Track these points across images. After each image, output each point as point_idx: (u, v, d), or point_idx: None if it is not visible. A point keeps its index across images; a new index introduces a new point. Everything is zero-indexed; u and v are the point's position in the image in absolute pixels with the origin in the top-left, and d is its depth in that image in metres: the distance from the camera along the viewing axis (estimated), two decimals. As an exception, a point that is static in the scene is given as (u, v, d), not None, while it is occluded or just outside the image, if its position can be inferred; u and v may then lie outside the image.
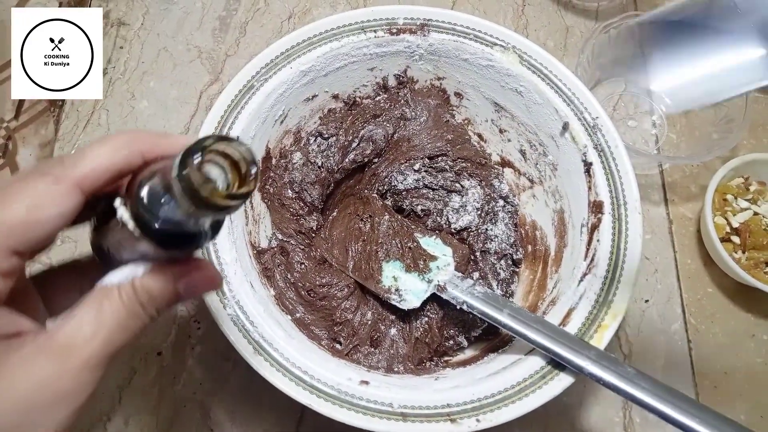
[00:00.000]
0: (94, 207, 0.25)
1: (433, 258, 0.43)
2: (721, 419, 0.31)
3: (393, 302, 0.42)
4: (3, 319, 0.23)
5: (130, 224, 0.22)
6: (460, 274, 0.42)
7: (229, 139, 0.21)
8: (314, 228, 0.46)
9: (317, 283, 0.42)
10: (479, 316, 0.38)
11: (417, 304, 0.41)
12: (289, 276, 0.43)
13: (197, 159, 0.20)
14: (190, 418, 0.44)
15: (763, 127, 0.59)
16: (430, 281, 0.42)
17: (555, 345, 0.35)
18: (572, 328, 0.37)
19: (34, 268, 0.28)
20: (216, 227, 0.25)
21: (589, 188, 0.42)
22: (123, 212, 0.22)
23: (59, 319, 0.24)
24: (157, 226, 0.22)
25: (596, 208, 0.41)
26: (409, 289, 0.42)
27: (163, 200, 0.22)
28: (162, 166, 0.23)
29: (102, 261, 0.27)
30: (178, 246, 0.24)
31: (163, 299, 0.25)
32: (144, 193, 0.22)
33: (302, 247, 0.45)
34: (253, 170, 0.21)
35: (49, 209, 0.23)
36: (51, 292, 0.28)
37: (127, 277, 0.24)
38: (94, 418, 0.43)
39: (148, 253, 0.24)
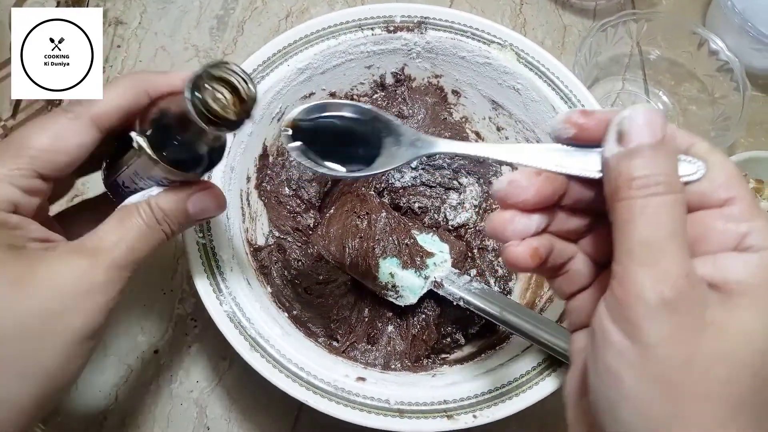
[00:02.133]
0: (107, 149, 0.29)
1: (430, 255, 0.43)
2: None
3: (390, 299, 0.41)
4: (34, 229, 0.26)
5: (147, 149, 0.26)
6: (457, 271, 0.42)
7: (228, 64, 0.24)
8: (311, 225, 0.46)
9: (314, 280, 0.42)
10: (476, 312, 0.38)
11: (414, 300, 0.41)
12: (286, 273, 0.43)
13: (207, 81, 0.23)
14: (186, 416, 0.44)
15: (760, 125, 0.59)
16: (426, 278, 0.42)
17: (552, 340, 0.34)
18: (569, 324, 0.37)
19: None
20: (220, 152, 0.28)
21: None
22: (140, 140, 0.26)
23: (86, 235, 0.27)
24: (170, 148, 0.26)
25: (593, 205, 0.41)
26: (405, 285, 0.42)
27: (175, 125, 0.26)
28: (169, 98, 0.27)
29: (116, 197, 0.30)
30: (189, 167, 0.27)
31: (176, 216, 0.28)
32: (157, 120, 0.26)
33: (299, 244, 0.45)
34: (252, 88, 0.24)
35: (70, 140, 0.26)
36: (71, 228, 0.30)
37: (144, 197, 0.28)
38: (90, 417, 0.43)
39: (161, 177, 0.27)
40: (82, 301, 0.25)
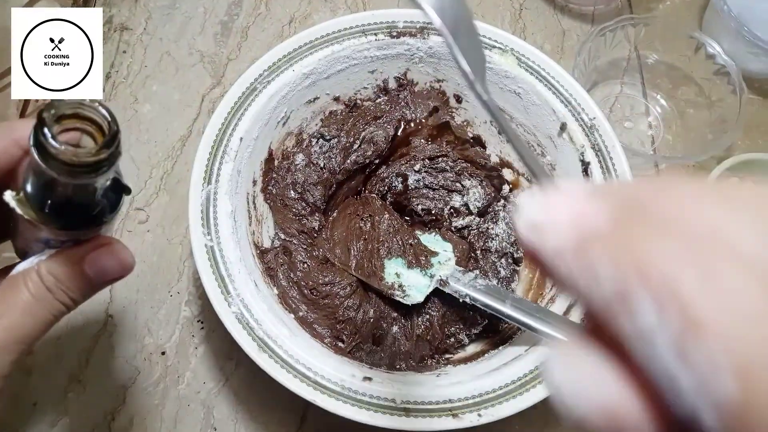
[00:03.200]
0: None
1: (434, 254, 0.43)
2: None
3: (397, 298, 0.42)
4: None
5: (17, 209, 0.22)
6: (461, 269, 0.42)
7: (68, 101, 0.21)
8: (316, 228, 0.47)
9: (320, 281, 0.43)
10: (482, 308, 0.39)
11: (420, 298, 0.42)
12: (291, 275, 0.43)
13: (47, 130, 0.20)
14: (193, 417, 0.44)
15: (757, 128, 0.59)
16: (432, 276, 0.42)
17: (558, 333, 0.35)
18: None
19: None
20: (110, 201, 0.24)
21: (587, 187, 0.42)
22: (9, 199, 0.22)
23: None
24: (48, 204, 0.22)
25: (594, 206, 0.41)
26: (411, 284, 0.42)
27: (40, 179, 0.22)
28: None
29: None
30: (75, 224, 0.23)
31: (72, 283, 0.24)
32: (24, 175, 0.22)
33: (305, 246, 0.46)
34: (106, 113, 0.21)
35: None
36: None
37: (32, 263, 0.24)
38: (98, 418, 0.43)
39: (49, 239, 0.24)
40: None
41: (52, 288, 0.24)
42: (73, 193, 0.23)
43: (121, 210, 0.26)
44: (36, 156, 0.20)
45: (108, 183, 0.23)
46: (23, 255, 0.26)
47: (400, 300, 0.42)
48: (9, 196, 0.22)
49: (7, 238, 0.27)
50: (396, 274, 0.43)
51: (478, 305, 0.39)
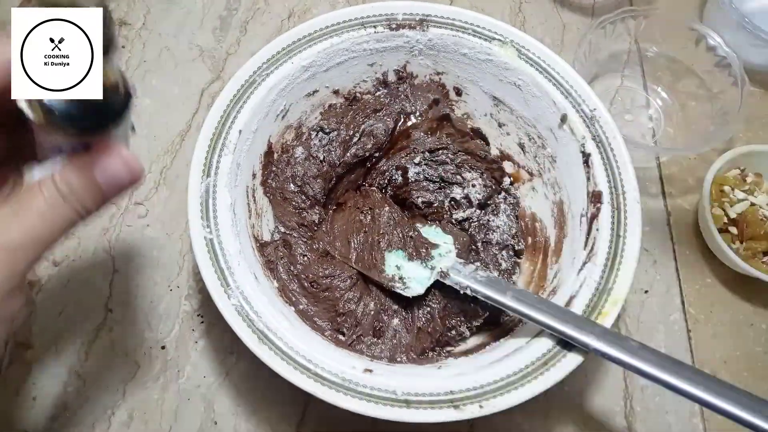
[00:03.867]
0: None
1: (435, 246, 0.43)
2: (721, 384, 0.31)
3: (397, 290, 0.42)
4: None
5: (28, 112, 0.23)
6: (462, 261, 0.42)
7: None
8: (316, 221, 0.46)
9: (320, 274, 0.43)
10: (483, 300, 0.39)
11: (421, 290, 0.42)
12: (292, 268, 0.43)
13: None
14: (194, 411, 0.44)
15: (758, 119, 0.59)
16: (432, 268, 0.42)
17: (560, 323, 0.35)
18: (573, 314, 0.37)
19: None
20: (117, 101, 0.25)
21: (588, 179, 0.42)
22: (22, 104, 0.23)
23: None
24: (50, 107, 0.23)
25: (595, 198, 0.41)
26: (412, 276, 0.42)
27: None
28: None
29: None
30: (77, 125, 0.24)
31: (84, 190, 0.25)
32: None
33: (305, 239, 0.45)
34: None
35: None
36: None
37: (47, 172, 0.25)
38: (98, 412, 0.43)
39: (61, 145, 0.25)
40: None
41: (66, 195, 0.25)
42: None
43: (129, 132, 0.26)
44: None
45: (112, 81, 0.24)
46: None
47: (401, 292, 0.42)
48: (22, 102, 0.23)
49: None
50: (396, 266, 0.43)
51: (479, 297, 0.39)
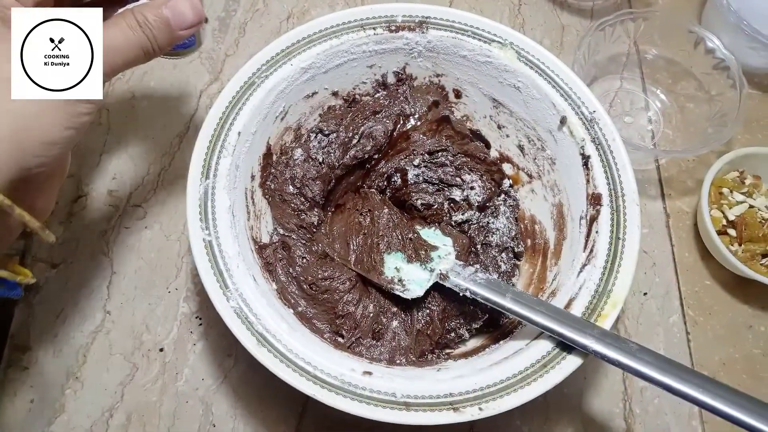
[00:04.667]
0: None
1: (434, 248, 0.43)
2: (721, 386, 0.31)
3: (396, 292, 0.42)
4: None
5: None
6: (461, 263, 0.42)
7: None
8: (315, 223, 0.46)
9: (319, 276, 0.43)
10: (482, 302, 0.39)
11: (420, 292, 0.42)
12: (291, 270, 0.43)
13: None
14: (192, 413, 0.44)
15: (757, 122, 0.59)
16: (432, 270, 0.42)
17: (559, 326, 0.35)
18: (573, 316, 0.37)
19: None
20: None
21: (588, 181, 0.42)
22: None
23: None
24: None
25: (595, 200, 0.41)
26: (411, 278, 0.42)
27: None
28: None
29: None
30: None
31: (156, 21, 0.32)
32: None
33: (304, 241, 0.45)
34: None
35: None
36: None
37: (131, 6, 0.32)
38: (96, 415, 0.43)
39: None
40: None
41: (141, 23, 0.31)
42: None
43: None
44: None
45: None
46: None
47: (400, 294, 0.42)
48: None
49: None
50: (396, 268, 0.43)
51: (479, 299, 0.39)
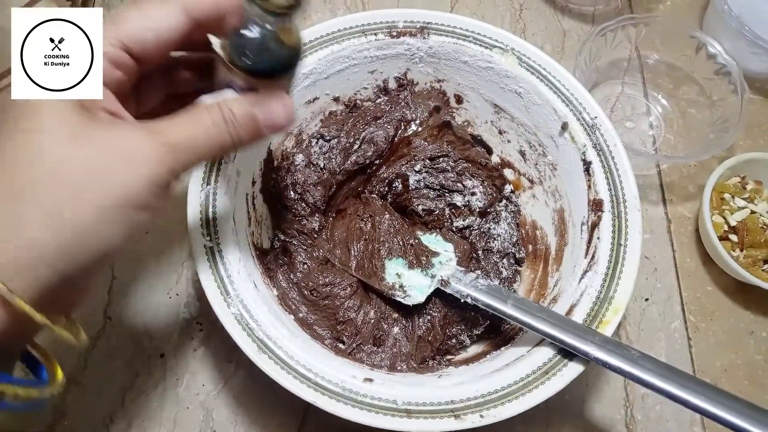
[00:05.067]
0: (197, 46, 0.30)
1: (435, 254, 0.43)
2: (722, 394, 0.31)
3: (398, 298, 0.42)
4: (109, 99, 0.28)
5: (218, 50, 0.27)
6: (462, 269, 0.42)
7: None
8: (316, 229, 0.46)
9: (320, 282, 0.43)
10: (483, 308, 0.39)
11: (422, 299, 0.41)
12: (292, 276, 0.43)
13: None
14: (193, 419, 0.44)
15: (758, 127, 0.59)
16: (433, 276, 0.42)
17: (560, 332, 0.35)
18: (574, 323, 0.37)
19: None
20: (291, 59, 0.29)
21: (589, 187, 0.42)
22: (214, 40, 0.27)
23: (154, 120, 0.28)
24: (243, 52, 0.27)
25: (596, 206, 0.41)
26: (413, 285, 0.42)
27: (245, 26, 0.27)
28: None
29: None
30: (259, 73, 0.28)
31: (244, 120, 0.28)
32: (232, 23, 0.28)
33: (305, 247, 0.45)
34: None
35: (160, 20, 0.28)
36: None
37: (216, 98, 0.28)
38: (97, 420, 0.43)
39: (234, 83, 0.29)
40: (128, 169, 0.25)
41: (227, 120, 0.28)
42: (261, 42, 0.27)
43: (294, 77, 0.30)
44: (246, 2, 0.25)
45: (294, 40, 0.29)
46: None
47: (401, 300, 0.42)
48: (212, 37, 0.28)
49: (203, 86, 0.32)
50: (397, 274, 0.42)
51: (480, 305, 0.39)
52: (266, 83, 0.29)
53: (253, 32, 0.27)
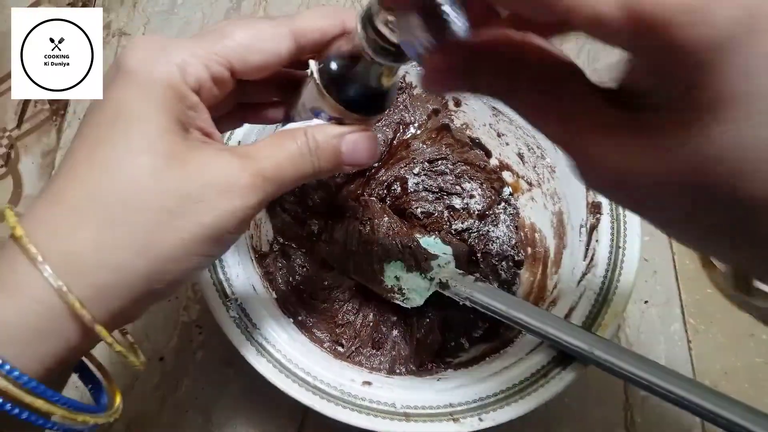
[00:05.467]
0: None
1: (434, 257, 0.43)
2: (720, 396, 0.31)
3: (396, 302, 0.42)
4: (205, 118, 0.27)
5: (317, 76, 0.26)
6: (461, 271, 0.42)
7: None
8: (315, 232, 0.46)
9: (319, 286, 0.43)
10: (482, 310, 0.39)
11: (420, 302, 0.41)
12: (290, 279, 0.43)
13: (377, 12, 0.23)
14: (192, 423, 0.44)
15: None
16: (432, 279, 0.42)
17: (560, 335, 0.35)
18: (573, 326, 0.37)
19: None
20: (386, 98, 0.28)
21: (588, 189, 0.42)
22: (313, 65, 0.26)
23: (242, 145, 0.28)
24: (339, 83, 0.26)
25: (595, 208, 0.41)
26: (411, 288, 0.42)
27: (347, 58, 0.26)
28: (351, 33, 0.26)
29: (283, 123, 0.31)
30: (353, 106, 0.27)
31: (328, 150, 0.27)
32: (332, 50, 0.27)
33: (304, 251, 0.45)
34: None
35: (268, 42, 0.26)
36: None
37: (302, 125, 0.28)
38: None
39: (324, 111, 0.28)
40: (220, 198, 0.24)
41: (312, 148, 0.27)
42: (370, 79, 0.26)
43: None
44: (359, 28, 0.24)
45: (393, 82, 0.28)
46: (288, 119, 0.30)
47: (400, 304, 0.42)
48: (313, 63, 0.27)
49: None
50: (396, 277, 0.42)
51: (479, 308, 0.39)
52: (356, 118, 0.28)
53: (360, 66, 0.26)
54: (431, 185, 0.49)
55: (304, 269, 0.44)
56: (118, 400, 0.28)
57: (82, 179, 0.24)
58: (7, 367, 0.21)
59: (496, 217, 0.49)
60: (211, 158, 0.25)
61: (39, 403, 0.22)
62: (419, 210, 0.49)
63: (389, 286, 0.42)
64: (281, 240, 0.45)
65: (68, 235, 0.23)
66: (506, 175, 0.51)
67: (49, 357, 0.23)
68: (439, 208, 0.49)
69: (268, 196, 0.26)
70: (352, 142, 0.28)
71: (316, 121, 0.28)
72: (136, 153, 0.24)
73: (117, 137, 0.24)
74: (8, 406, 0.22)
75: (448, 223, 0.48)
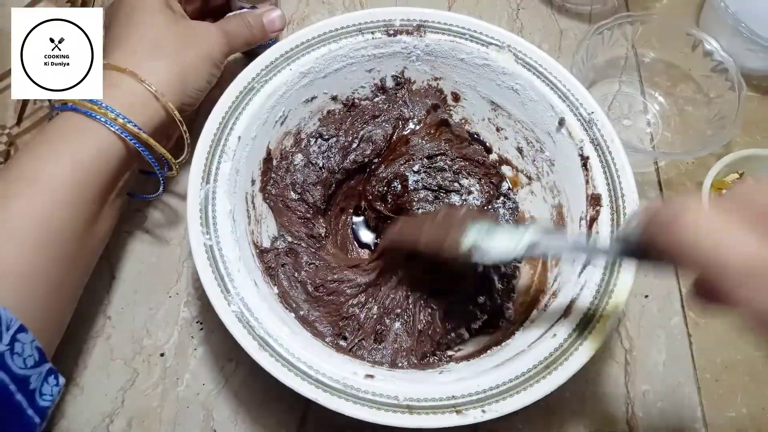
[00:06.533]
0: None
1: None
2: None
3: (475, 260, 0.36)
4: (179, 8, 0.46)
5: None
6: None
7: None
8: (323, 234, 0.46)
9: (328, 278, 0.43)
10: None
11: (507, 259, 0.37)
12: (296, 274, 0.43)
13: None
14: (193, 419, 0.44)
15: (756, 124, 0.59)
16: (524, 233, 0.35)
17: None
18: (575, 317, 0.37)
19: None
20: None
21: (587, 182, 0.42)
22: None
23: (218, 22, 0.47)
24: None
25: (594, 201, 0.41)
26: (492, 246, 0.36)
27: None
28: None
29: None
30: None
31: (257, 23, 0.47)
32: None
33: (313, 250, 0.45)
34: None
35: None
36: None
37: (237, 13, 0.48)
38: (96, 421, 0.43)
39: (245, 5, 0.50)
40: (207, 39, 0.44)
41: (247, 24, 0.47)
42: None
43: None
44: None
45: None
46: (230, 10, 0.50)
47: (479, 262, 0.37)
48: None
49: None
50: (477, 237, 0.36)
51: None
52: (265, 3, 0.49)
53: None
54: (430, 183, 0.49)
55: (312, 265, 0.44)
56: (173, 164, 0.43)
57: (136, 30, 0.42)
58: (134, 124, 0.39)
59: (495, 211, 0.49)
60: (194, 22, 0.45)
61: (158, 146, 0.41)
62: (420, 210, 0.49)
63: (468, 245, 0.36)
64: (289, 238, 0.45)
65: (145, 63, 0.41)
66: (505, 170, 0.51)
67: (147, 125, 0.40)
68: (438, 206, 0.49)
69: (230, 47, 0.46)
70: (268, 16, 0.48)
71: (245, 9, 0.48)
72: (153, 16, 0.42)
73: (138, 10, 0.43)
74: (141, 147, 0.40)
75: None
